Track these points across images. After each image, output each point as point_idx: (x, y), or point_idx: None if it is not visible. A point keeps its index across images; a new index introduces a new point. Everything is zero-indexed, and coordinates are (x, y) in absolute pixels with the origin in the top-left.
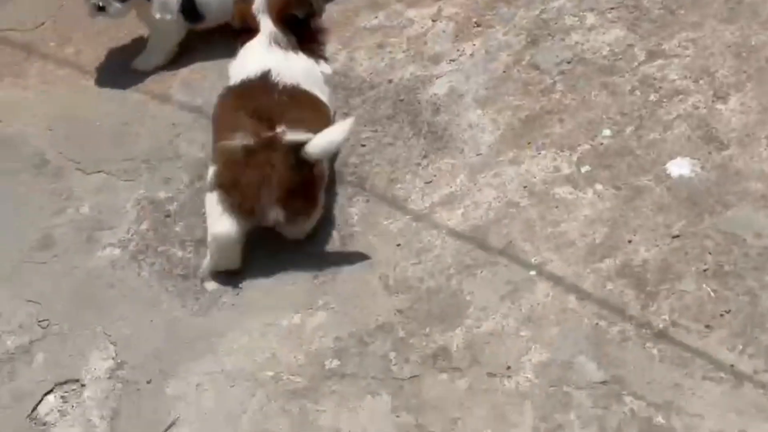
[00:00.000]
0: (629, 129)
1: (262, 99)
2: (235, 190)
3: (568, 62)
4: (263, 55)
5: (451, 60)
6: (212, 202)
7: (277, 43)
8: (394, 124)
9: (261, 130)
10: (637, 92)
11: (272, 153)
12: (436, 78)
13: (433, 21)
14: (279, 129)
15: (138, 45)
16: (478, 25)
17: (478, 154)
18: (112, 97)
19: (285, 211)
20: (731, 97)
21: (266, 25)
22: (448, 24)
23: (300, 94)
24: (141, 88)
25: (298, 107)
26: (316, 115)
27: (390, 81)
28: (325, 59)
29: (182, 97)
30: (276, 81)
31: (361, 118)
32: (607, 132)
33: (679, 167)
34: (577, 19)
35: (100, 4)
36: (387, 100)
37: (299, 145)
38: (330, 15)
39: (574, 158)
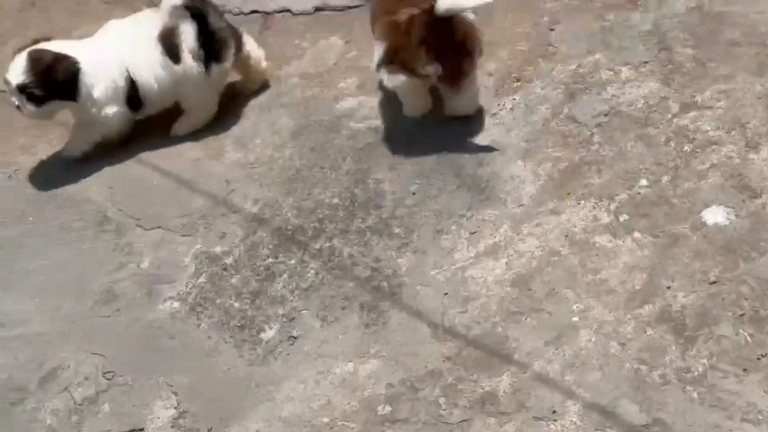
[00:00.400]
0: (665, 179)
1: None
2: (399, 57)
3: (605, 115)
4: None
5: (492, 114)
6: (387, 79)
7: None
8: (439, 177)
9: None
10: (672, 143)
11: (424, 19)
12: (479, 132)
13: None
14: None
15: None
16: (518, 80)
17: (520, 205)
18: (169, 155)
19: (443, 66)
20: (763, 147)
21: None
22: (489, 79)
23: None
24: (196, 146)
25: None
26: None
27: (434, 134)
28: None
29: (235, 155)
30: None
31: (408, 172)
32: (643, 182)
33: (714, 215)
34: (612, 72)
35: (16, 103)
36: (432, 154)
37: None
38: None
39: (613, 207)
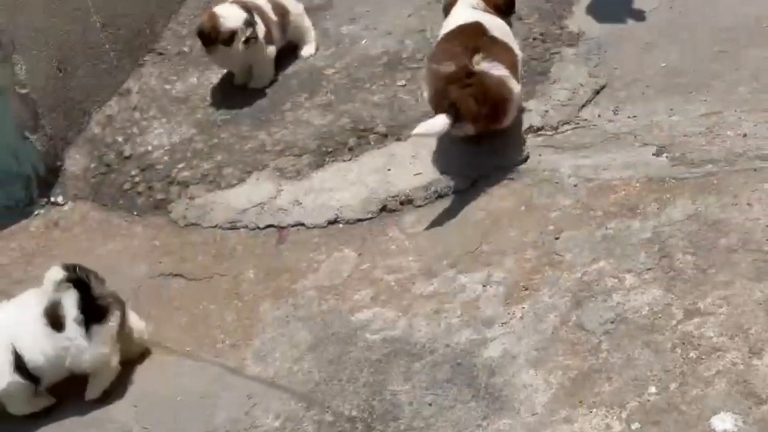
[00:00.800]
0: (673, 386)
1: (472, 38)
2: (440, 105)
3: (612, 322)
4: (471, 13)
5: (503, 323)
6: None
7: (478, 7)
8: (453, 388)
9: (463, 60)
10: (678, 350)
11: (468, 77)
12: (490, 341)
13: (484, 286)
14: (476, 58)
15: (212, 319)
16: (526, 289)
17: (533, 414)
18: (191, 370)
19: (474, 125)
20: (766, 353)
21: None
22: (498, 288)
23: (497, 40)
24: (217, 360)
25: (495, 47)
26: (507, 55)
27: (447, 345)
28: (510, 22)
29: (255, 368)
30: (484, 28)
31: (423, 383)
32: (652, 389)
33: (723, 422)
34: (616, 280)
35: None
36: (446, 365)
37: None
38: (388, 284)
39: (624, 415)
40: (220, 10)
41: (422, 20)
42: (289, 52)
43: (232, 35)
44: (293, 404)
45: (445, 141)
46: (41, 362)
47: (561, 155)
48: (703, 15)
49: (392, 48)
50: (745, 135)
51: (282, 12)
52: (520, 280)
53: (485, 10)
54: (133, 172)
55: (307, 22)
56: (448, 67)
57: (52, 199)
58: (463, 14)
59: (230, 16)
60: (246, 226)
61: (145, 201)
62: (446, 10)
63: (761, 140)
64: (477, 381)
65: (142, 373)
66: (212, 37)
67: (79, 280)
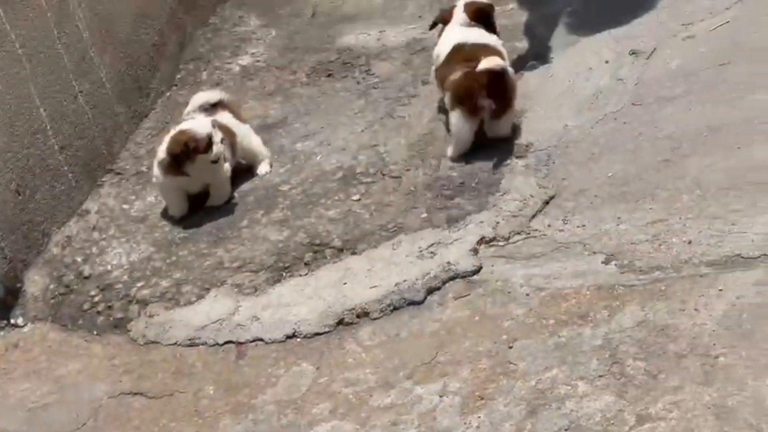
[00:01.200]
0: None
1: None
2: (461, 99)
3: (566, 429)
4: (461, 32)
5: None
6: (454, 118)
7: (467, 25)
8: None
9: (469, 65)
10: None
11: (477, 74)
12: None
13: (440, 397)
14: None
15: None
16: (482, 398)
17: None
18: None
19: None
20: None
21: (460, 17)
22: (453, 398)
23: (489, 47)
24: None
25: (489, 52)
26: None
27: None
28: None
29: None
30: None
31: None
32: None
33: None
34: (569, 387)
35: None
36: None
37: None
38: (346, 396)
39: None
40: (183, 126)
41: (375, 135)
42: (245, 170)
43: (209, 140)
44: None
45: (400, 254)
46: None
47: (513, 265)
48: (647, 125)
49: (346, 163)
50: (690, 242)
51: (229, 133)
52: (475, 390)
53: (470, 26)
54: (93, 292)
55: (255, 142)
56: (458, 74)
57: (12, 321)
58: (455, 34)
59: (198, 125)
60: (205, 343)
61: (105, 320)
62: (439, 22)
63: (705, 246)
64: None
65: None
66: (192, 149)
67: None
